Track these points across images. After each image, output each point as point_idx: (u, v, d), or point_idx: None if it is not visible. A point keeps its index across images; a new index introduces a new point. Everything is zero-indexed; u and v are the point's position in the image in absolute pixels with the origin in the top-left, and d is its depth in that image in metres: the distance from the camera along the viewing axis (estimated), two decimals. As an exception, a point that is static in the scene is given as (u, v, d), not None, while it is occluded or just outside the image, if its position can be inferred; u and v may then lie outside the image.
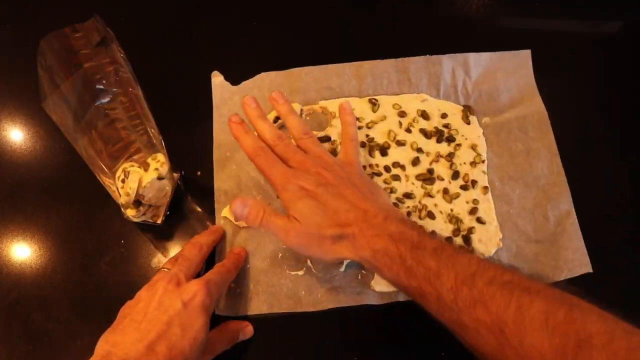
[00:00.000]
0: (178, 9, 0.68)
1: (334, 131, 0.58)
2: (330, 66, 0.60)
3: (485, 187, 0.55)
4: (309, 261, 0.52)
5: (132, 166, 0.50)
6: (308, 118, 0.59)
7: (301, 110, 0.59)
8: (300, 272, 0.51)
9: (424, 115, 0.58)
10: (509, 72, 0.60)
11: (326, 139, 0.57)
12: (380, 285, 0.50)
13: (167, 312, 0.41)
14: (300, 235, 0.45)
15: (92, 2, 0.64)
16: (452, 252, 0.40)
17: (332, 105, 0.59)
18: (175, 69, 0.63)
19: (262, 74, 0.60)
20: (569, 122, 0.59)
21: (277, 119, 0.58)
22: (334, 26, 0.66)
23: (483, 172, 0.56)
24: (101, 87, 0.50)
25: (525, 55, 0.61)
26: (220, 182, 0.55)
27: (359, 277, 0.51)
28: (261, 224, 0.46)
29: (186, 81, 0.62)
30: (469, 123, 0.58)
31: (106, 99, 0.51)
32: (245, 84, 0.60)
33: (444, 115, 0.59)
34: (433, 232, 0.53)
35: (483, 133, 0.58)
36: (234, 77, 0.61)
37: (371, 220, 0.43)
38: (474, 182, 0.55)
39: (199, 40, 0.65)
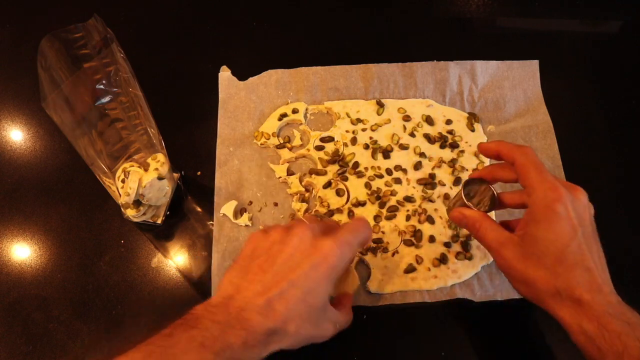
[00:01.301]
0: (178, 9, 0.68)
1: (337, 131, 0.58)
2: (337, 67, 0.60)
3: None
4: None
5: (132, 166, 0.50)
6: (312, 117, 0.60)
7: (306, 109, 0.59)
8: None
9: (429, 120, 0.59)
10: (516, 81, 0.60)
11: (329, 139, 0.57)
12: (375, 286, 0.51)
13: (294, 270, 0.39)
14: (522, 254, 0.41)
15: (92, 2, 0.64)
16: None
17: (337, 106, 0.59)
18: (175, 69, 0.63)
19: (270, 70, 0.60)
20: (569, 122, 0.59)
21: (282, 116, 0.58)
22: (334, 26, 0.66)
23: None
24: (101, 87, 0.50)
25: (533, 65, 0.61)
26: (222, 176, 0.55)
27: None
28: (478, 230, 0.44)
29: (186, 81, 0.62)
30: (473, 130, 0.58)
31: (106, 99, 0.50)
32: (252, 80, 0.60)
33: (448, 122, 0.59)
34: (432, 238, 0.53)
35: (487, 141, 0.58)
36: (236, 77, 0.61)
37: (606, 296, 0.39)
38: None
39: (199, 40, 0.65)
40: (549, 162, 0.56)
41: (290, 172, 0.56)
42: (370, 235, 0.46)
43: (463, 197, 0.45)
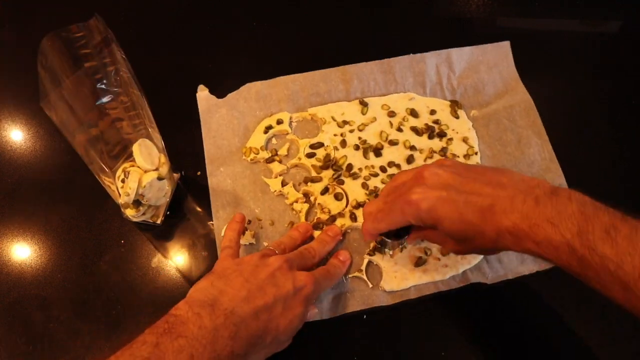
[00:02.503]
0: (178, 9, 0.68)
1: (325, 136, 0.58)
2: (315, 72, 0.60)
3: None
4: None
5: (132, 166, 0.50)
6: (298, 125, 0.59)
7: (290, 118, 0.59)
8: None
9: (413, 113, 0.59)
10: (491, 64, 0.61)
11: (319, 145, 0.57)
12: (390, 284, 0.50)
13: (278, 288, 0.42)
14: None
15: (92, 2, 0.64)
16: (629, 232, 0.34)
17: (321, 111, 0.59)
18: (176, 69, 0.63)
19: (248, 84, 0.60)
20: (568, 122, 0.59)
21: (267, 129, 0.58)
22: (334, 26, 0.66)
23: (477, 163, 0.56)
24: (102, 86, 0.50)
25: (505, 46, 0.62)
26: (217, 198, 0.54)
27: (366, 279, 0.51)
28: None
29: (187, 81, 0.62)
30: (457, 117, 0.59)
31: (107, 99, 0.50)
32: (231, 95, 0.59)
33: (432, 112, 0.59)
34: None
35: (472, 126, 0.58)
36: (234, 77, 0.60)
37: (521, 207, 0.38)
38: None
39: (199, 40, 0.65)
40: (536, 138, 0.57)
41: (284, 184, 0.55)
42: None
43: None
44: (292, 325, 0.42)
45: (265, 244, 0.53)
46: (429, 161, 0.57)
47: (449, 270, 0.51)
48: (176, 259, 0.53)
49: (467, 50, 0.61)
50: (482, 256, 0.51)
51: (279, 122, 0.58)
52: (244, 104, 0.59)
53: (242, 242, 0.52)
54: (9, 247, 0.53)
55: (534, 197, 0.38)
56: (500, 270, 0.51)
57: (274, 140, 0.58)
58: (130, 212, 0.51)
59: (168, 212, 0.54)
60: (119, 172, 0.50)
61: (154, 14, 0.67)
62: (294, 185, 0.55)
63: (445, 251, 0.51)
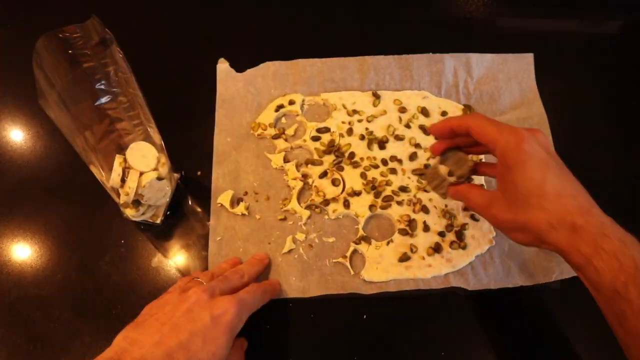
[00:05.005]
0: (178, 9, 0.68)
1: (333, 122, 0.58)
2: (334, 59, 0.61)
3: (481, 185, 0.55)
4: (300, 248, 0.52)
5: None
6: (309, 109, 0.60)
7: (303, 100, 0.60)
8: (295, 256, 0.52)
9: (424, 112, 0.59)
10: (511, 74, 0.61)
11: (325, 130, 0.58)
12: (370, 274, 0.51)
13: (194, 321, 0.40)
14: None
15: (91, 2, 0.64)
16: None
17: (334, 97, 0.60)
18: (175, 68, 0.63)
19: (267, 62, 0.61)
20: (568, 121, 0.59)
21: (278, 107, 0.58)
22: (333, 26, 0.66)
23: None
24: (101, 87, 0.50)
25: (528, 58, 0.61)
26: (219, 166, 0.56)
27: (349, 266, 0.52)
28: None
29: (186, 81, 0.62)
30: None
31: (106, 99, 0.51)
32: (250, 72, 0.61)
33: (444, 113, 0.59)
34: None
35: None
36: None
37: (598, 217, 0.39)
38: (469, 180, 0.55)
39: (199, 40, 0.65)
40: None
41: (286, 161, 0.57)
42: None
43: (441, 172, 0.46)
44: (215, 358, 0.40)
45: (258, 217, 0.54)
46: (432, 161, 0.56)
47: (431, 270, 0.51)
48: (176, 259, 0.53)
49: (488, 56, 0.61)
50: (467, 261, 0.51)
51: (291, 102, 0.59)
52: (261, 81, 0.60)
53: (235, 212, 0.54)
54: (9, 247, 0.53)
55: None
56: (484, 278, 0.51)
57: (283, 120, 0.60)
58: (130, 212, 0.51)
59: (168, 212, 0.54)
60: (120, 159, 0.50)
61: (154, 14, 0.67)
62: (295, 165, 0.56)
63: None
